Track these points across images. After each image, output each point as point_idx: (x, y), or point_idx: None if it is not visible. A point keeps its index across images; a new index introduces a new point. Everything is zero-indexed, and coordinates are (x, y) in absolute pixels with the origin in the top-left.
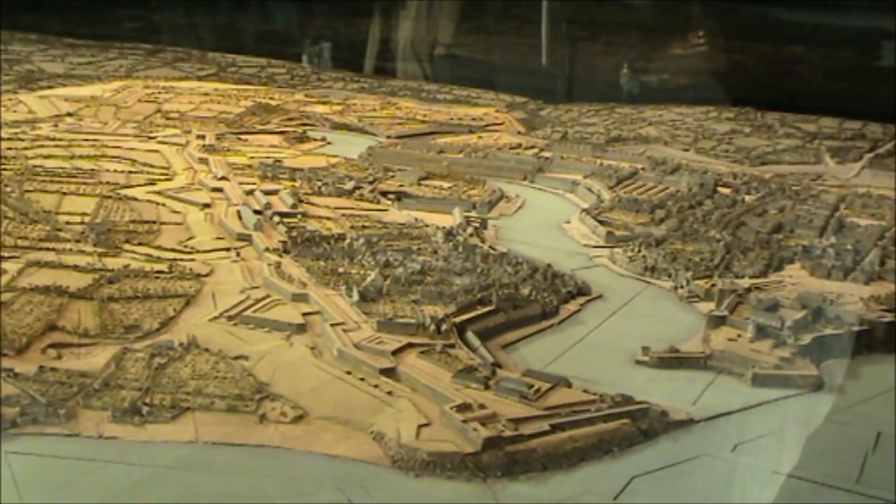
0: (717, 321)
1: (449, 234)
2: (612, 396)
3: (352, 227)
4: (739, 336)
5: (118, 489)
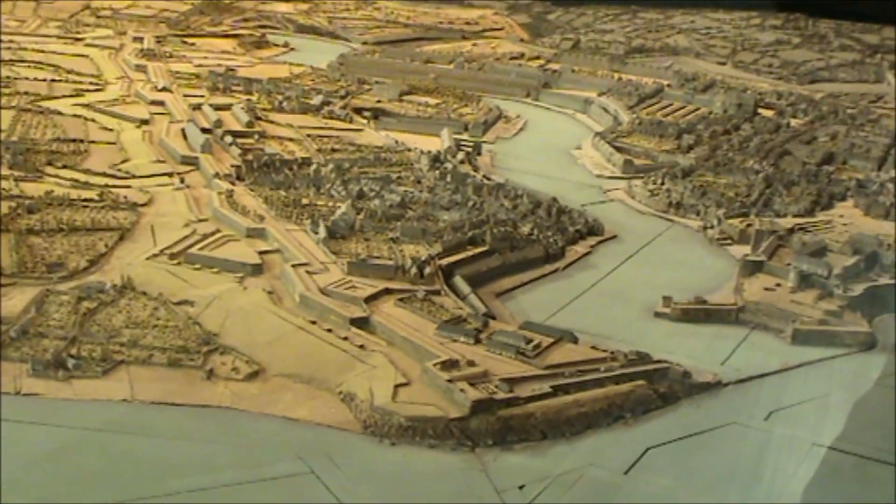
0: (752, 267)
1: (435, 160)
2: (626, 354)
3: (319, 151)
4: (779, 285)
5: (38, 455)
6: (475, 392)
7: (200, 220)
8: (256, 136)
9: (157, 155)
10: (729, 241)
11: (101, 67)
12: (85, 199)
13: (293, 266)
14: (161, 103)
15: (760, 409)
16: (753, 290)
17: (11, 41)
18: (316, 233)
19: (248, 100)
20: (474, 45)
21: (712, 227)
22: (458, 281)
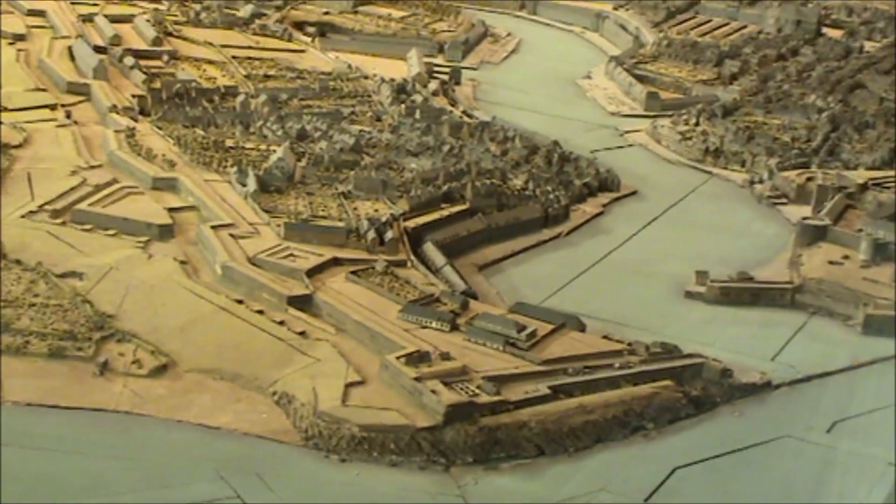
0: (813, 234)
1: (400, 90)
2: (648, 346)
3: (247, 77)
4: (847, 258)
5: None
6: (451, 394)
7: (92, 167)
8: (166, 58)
9: (36, 81)
10: (783, 200)
11: None
12: None
13: (213, 228)
14: (41, 13)
15: (822, 419)
16: (814, 263)
17: None
18: (243, 185)
19: (156, 9)
20: None
21: (761, 182)
22: (430, 249)
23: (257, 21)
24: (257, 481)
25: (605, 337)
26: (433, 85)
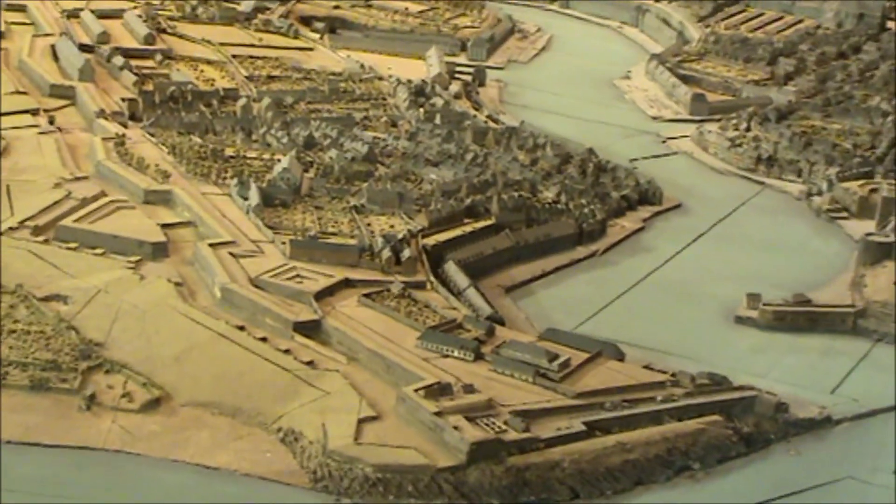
0: (877, 252)
1: (419, 93)
2: (694, 377)
3: (249, 79)
4: None
5: None
6: (475, 430)
7: (77, 179)
8: (159, 57)
9: (16, 83)
10: (844, 214)
11: None
12: None
13: (212, 246)
14: (21, 8)
15: (888, 458)
16: (879, 284)
17: None
18: (245, 198)
19: (148, 4)
20: None
21: (820, 194)
22: (451, 269)
23: (260, 16)
24: None
25: (646, 367)
26: (455, 87)
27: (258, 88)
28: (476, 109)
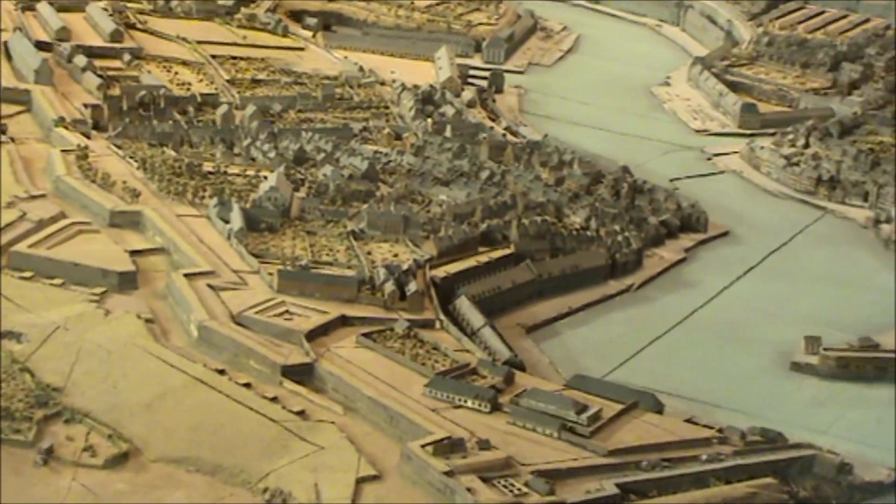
0: None
1: (426, 100)
2: (744, 432)
3: (231, 83)
4: None
5: None
6: (491, 493)
7: (33, 197)
8: (128, 57)
9: None
10: None
11: None
12: None
13: (187, 276)
14: None
15: None
16: None
17: None
18: (226, 221)
19: None
20: None
21: (889, 221)
22: (464, 305)
23: (243, 10)
24: None
25: (688, 421)
26: (468, 93)
27: (241, 94)
28: (492, 120)
